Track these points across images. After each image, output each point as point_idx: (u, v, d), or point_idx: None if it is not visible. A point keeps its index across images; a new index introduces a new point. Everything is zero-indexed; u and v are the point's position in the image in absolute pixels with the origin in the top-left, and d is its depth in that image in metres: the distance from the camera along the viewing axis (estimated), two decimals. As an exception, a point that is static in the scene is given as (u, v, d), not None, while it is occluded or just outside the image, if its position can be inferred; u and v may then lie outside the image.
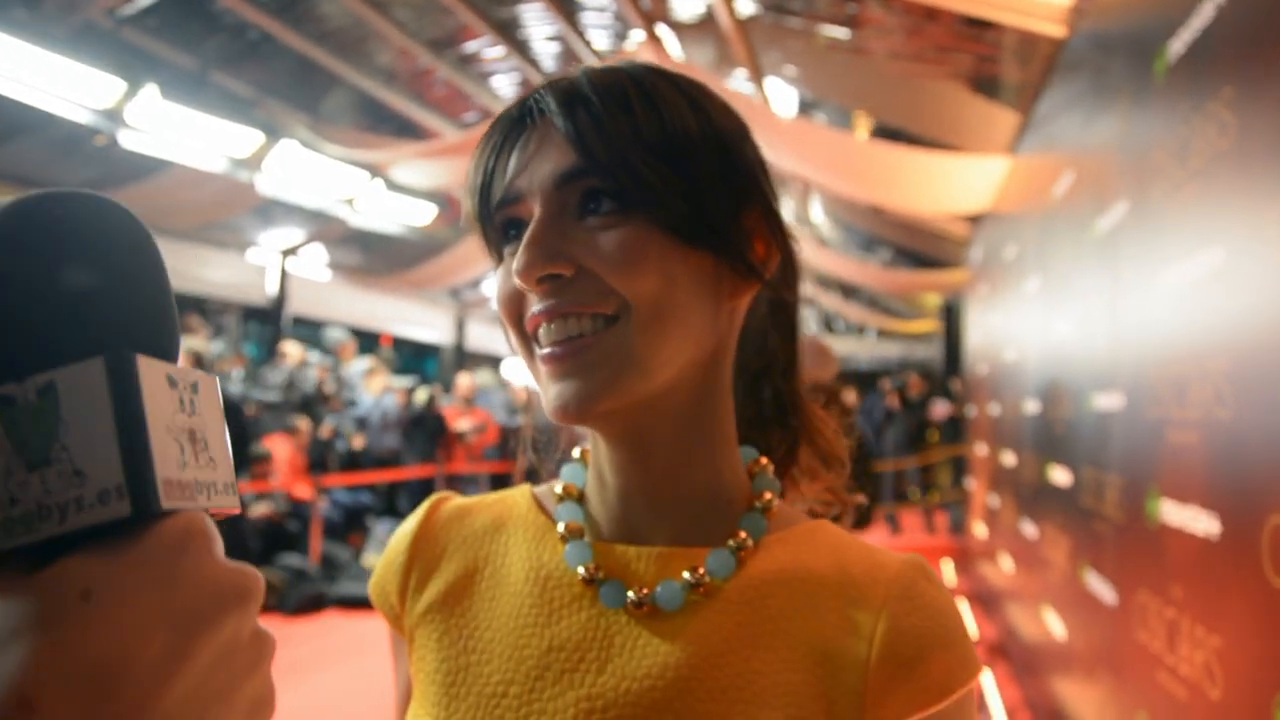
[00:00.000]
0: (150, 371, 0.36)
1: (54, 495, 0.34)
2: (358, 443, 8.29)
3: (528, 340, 0.64)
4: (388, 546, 0.75)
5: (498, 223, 0.64)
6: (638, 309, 0.60)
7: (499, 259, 0.66)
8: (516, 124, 0.64)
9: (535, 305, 0.61)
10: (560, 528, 0.68)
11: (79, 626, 0.32)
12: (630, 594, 0.63)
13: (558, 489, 0.71)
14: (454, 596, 0.69)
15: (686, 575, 0.63)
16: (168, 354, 0.39)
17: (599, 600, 0.64)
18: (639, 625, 0.63)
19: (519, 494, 0.75)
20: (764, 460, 0.72)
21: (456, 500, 0.76)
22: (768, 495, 0.68)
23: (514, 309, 0.64)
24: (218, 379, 0.40)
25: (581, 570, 0.65)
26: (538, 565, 0.67)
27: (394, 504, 8.66)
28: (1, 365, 0.35)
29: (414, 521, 0.74)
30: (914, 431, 10.40)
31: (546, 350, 0.61)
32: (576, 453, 0.74)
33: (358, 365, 9.07)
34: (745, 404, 0.74)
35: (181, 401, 0.37)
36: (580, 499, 0.71)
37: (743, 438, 0.72)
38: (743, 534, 0.65)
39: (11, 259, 0.36)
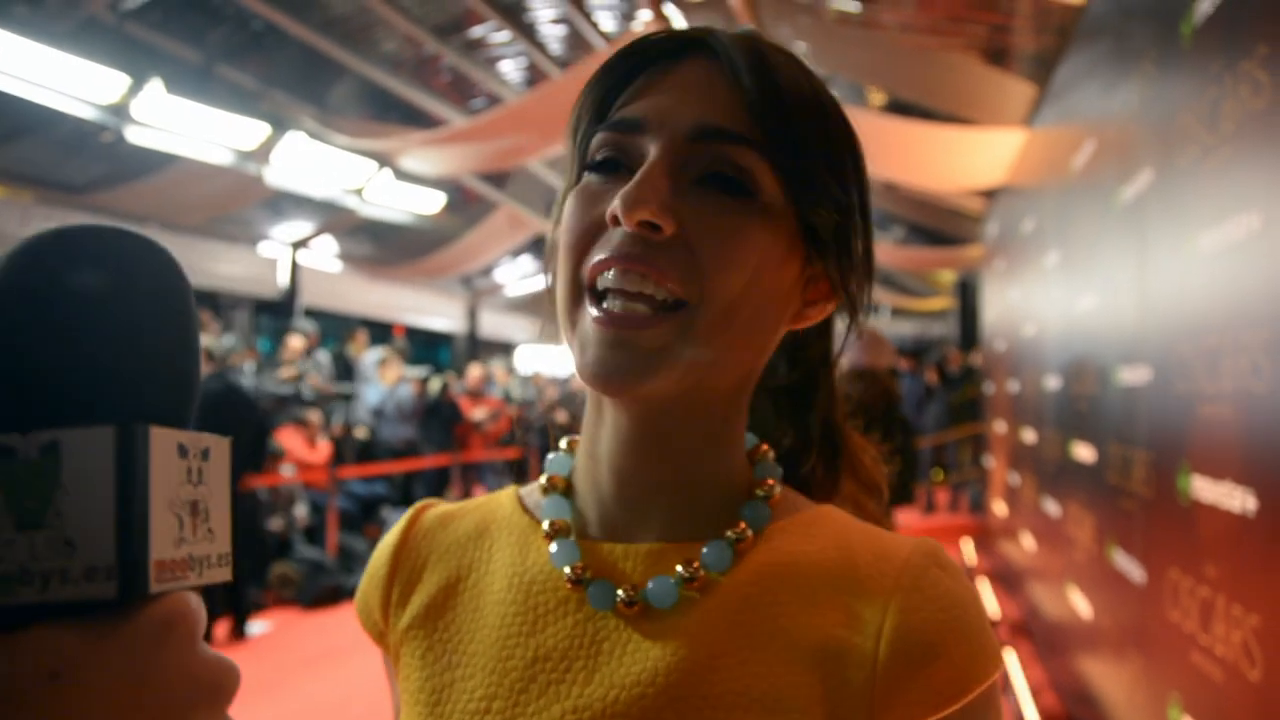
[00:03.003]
0: (162, 442, 0.33)
1: (40, 561, 0.32)
2: (361, 433, 8.29)
3: (579, 287, 0.57)
4: (370, 561, 0.70)
5: (596, 142, 0.58)
6: (715, 304, 0.55)
7: (574, 182, 0.61)
8: (664, 55, 0.59)
9: (608, 250, 0.55)
10: (545, 525, 0.63)
11: (40, 709, 0.30)
12: (620, 593, 0.58)
13: (541, 482, 0.66)
14: (436, 610, 0.65)
15: (680, 569, 0.58)
16: (185, 410, 0.37)
17: (586, 603, 0.59)
18: (629, 628, 0.58)
19: (503, 496, 0.70)
20: (764, 447, 0.66)
21: (439, 507, 0.71)
22: (769, 482, 0.63)
23: (582, 246, 0.57)
24: (229, 441, 0.38)
25: (568, 570, 0.60)
26: (521, 570, 0.63)
27: (410, 494, 8.67)
28: (8, 414, 0.33)
29: (395, 534, 0.70)
30: (957, 408, 10.27)
31: (602, 312, 0.55)
32: (564, 443, 0.68)
33: (371, 355, 9.07)
34: (787, 431, 0.71)
35: (189, 471, 0.35)
36: (566, 491, 0.65)
37: (785, 466, 0.68)
38: (742, 525, 0.60)
39: (22, 300, 0.33)
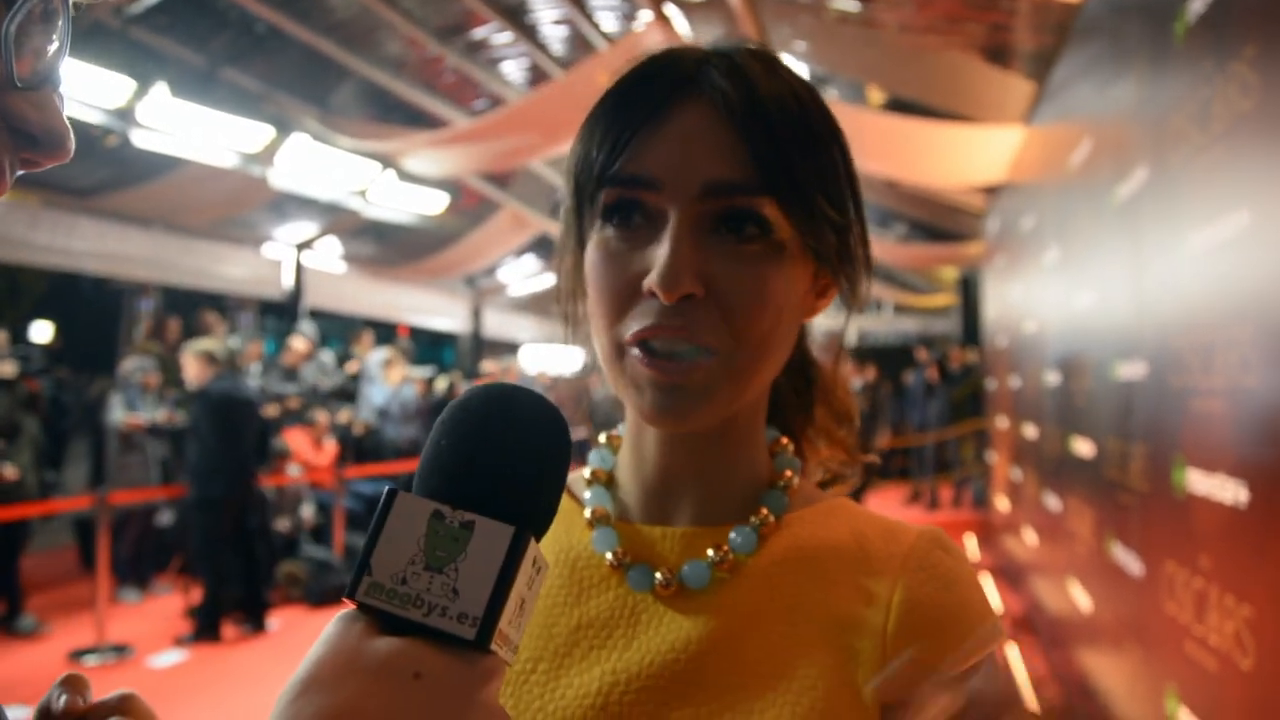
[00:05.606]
0: (532, 550, 0.46)
1: (431, 595, 0.44)
2: (358, 429, 8.34)
3: (619, 345, 0.62)
4: None
5: (609, 195, 0.61)
6: (750, 347, 0.61)
7: (577, 234, 0.65)
8: (669, 91, 0.61)
9: (651, 318, 0.59)
10: (587, 513, 0.69)
11: (402, 693, 0.41)
12: (657, 576, 0.65)
13: (585, 474, 0.73)
14: None
15: (711, 553, 0.65)
16: (545, 529, 0.50)
17: (626, 583, 0.66)
18: (665, 604, 0.64)
19: None
20: (785, 440, 0.72)
21: None
22: (788, 473, 0.69)
23: (618, 310, 0.61)
24: (547, 566, 0.51)
25: (609, 556, 0.66)
26: (567, 548, 0.69)
27: (415, 493, 8.68)
28: (450, 489, 0.47)
29: None
30: (959, 404, 10.29)
31: (655, 362, 0.60)
32: (603, 438, 0.75)
33: (375, 356, 9.11)
34: None
35: (530, 578, 0.47)
36: (608, 483, 0.72)
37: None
38: (765, 511, 0.66)
39: (484, 427, 0.49)
